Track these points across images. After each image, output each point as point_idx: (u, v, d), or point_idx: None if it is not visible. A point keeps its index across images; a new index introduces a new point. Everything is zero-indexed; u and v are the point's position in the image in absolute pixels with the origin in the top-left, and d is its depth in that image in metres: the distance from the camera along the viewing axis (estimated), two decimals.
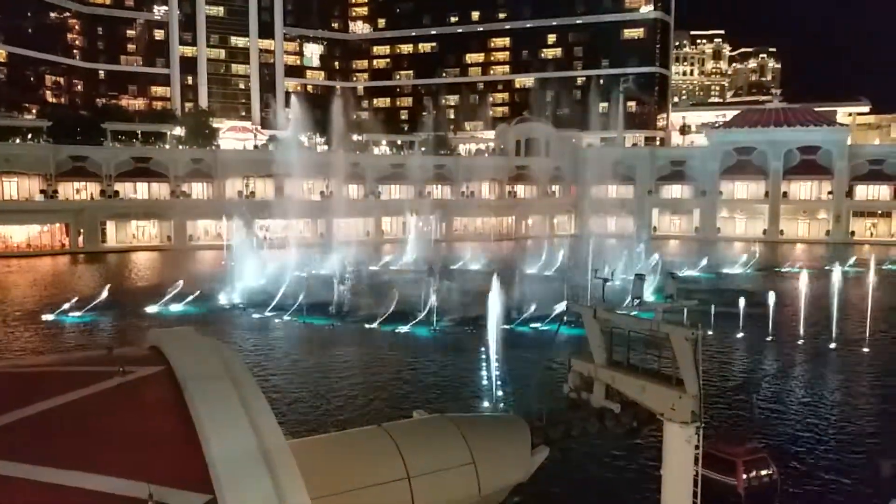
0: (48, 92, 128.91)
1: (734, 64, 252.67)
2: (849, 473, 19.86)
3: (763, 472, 11.92)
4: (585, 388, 12.19)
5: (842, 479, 19.31)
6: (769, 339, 37.85)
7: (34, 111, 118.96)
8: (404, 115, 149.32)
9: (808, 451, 21.87)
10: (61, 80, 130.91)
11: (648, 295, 28.37)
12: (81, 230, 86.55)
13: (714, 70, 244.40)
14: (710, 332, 35.18)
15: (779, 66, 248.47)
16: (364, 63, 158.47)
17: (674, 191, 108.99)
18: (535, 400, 12.36)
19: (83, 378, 6.94)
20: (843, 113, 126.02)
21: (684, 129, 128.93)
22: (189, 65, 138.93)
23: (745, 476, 11.39)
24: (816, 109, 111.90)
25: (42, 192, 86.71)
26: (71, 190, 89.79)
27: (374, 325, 39.67)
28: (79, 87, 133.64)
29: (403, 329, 38.95)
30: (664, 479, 10.97)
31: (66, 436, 6.21)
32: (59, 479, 5.61)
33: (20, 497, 5.50)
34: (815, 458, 21.39)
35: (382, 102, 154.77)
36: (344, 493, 8.65)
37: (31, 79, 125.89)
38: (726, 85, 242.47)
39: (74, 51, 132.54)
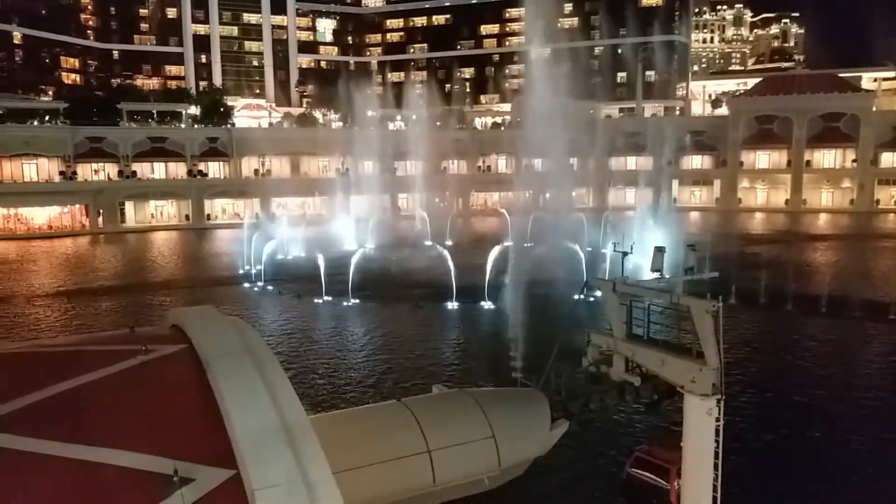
0: (63, 73, 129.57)
1: (755, 30, 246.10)
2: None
3: None
4: (605, 361, 12.16)
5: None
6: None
7: (50, 93, 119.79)
8: (419, 90, 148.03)
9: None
10: (76, 61, 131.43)
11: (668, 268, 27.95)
12: (101, 211, 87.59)
13: (735, 37, 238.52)
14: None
15: (802, 31, 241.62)
16: (377, 37, 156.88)
17: (694, 161, 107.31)
18: (555, 374, 12.32)
19: (108, 357, 7.08)
20: (868, 79, 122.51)
21: (716, 103, 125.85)
22: (202, 43, 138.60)
23: (677, 483, 11.10)
24: (840, 75, 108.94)
25: (61, 173, 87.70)
26: (89, 171, 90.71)
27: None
28: (93, 67, 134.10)
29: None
30: (685, 451, 10.97)
31: (92, 413, 6.34)
32: (86, 455, 5.74)
33: (48, 473, 5.63)
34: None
35: (396, 77, 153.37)
36: (365, 466, 8.76)
37: (47, 60, 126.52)
38: (748, 52, 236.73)
39: (88, 31, 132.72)
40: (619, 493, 12.41)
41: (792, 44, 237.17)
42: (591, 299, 27.19)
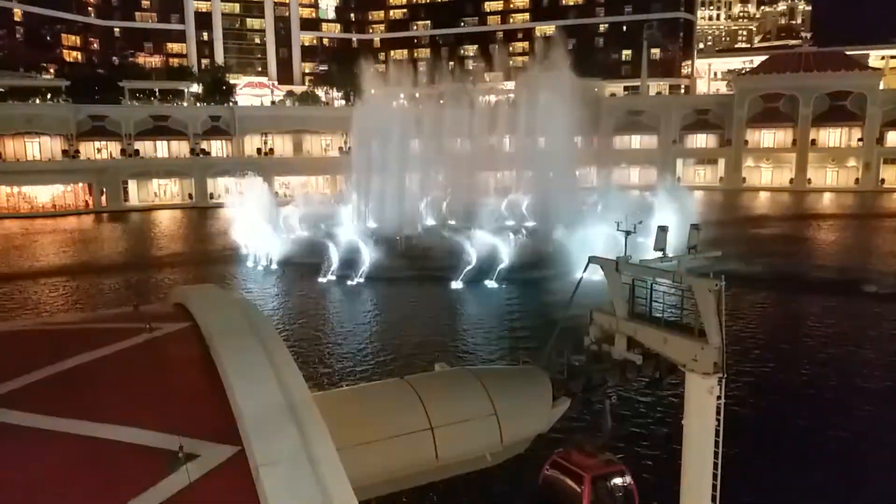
0: (65, 51, 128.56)
1: (762, 7, 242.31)
2: None
3: (616, 486, 11.20)
4: (607, 340, 12.19)
5: None
6: None
7: (52, 71, 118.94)
8: (422, 67, 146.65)
9: None
10: (77, 38, 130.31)
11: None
12: (104, 189, 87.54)
13: (741, 14, 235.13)
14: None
15: (809, 8, 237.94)
16: (380, 14, 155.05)
17: (699, 140, 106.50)
18: (556, 352, 12.37)
19: (112, 335, 7.12)
20: (875, 56, 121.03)
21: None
22: (204, 20, 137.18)
23: (591, 491, 10.97)
24: (848, 53, 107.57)
25: (64, 152, 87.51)
26: (92, 149, 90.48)
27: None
28: (95, 45, 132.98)
29: None
30: (686, 429, 11.05)
31: (97, 390, 6.39)
32: (92, 431, 5.80)
33: (54, 449, 5.69)
34: None
35: (399, 54, 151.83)
36: (368, 443, 8.84)
37: (48, 38, 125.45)
38: (754, 29, 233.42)
39: (89, 8, 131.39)
40: (536, 494, 12.20)
41: (799, 21, 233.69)
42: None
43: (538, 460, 11.87)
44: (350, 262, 42.11)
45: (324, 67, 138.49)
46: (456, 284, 39.04)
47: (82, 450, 5.71)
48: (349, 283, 40.80)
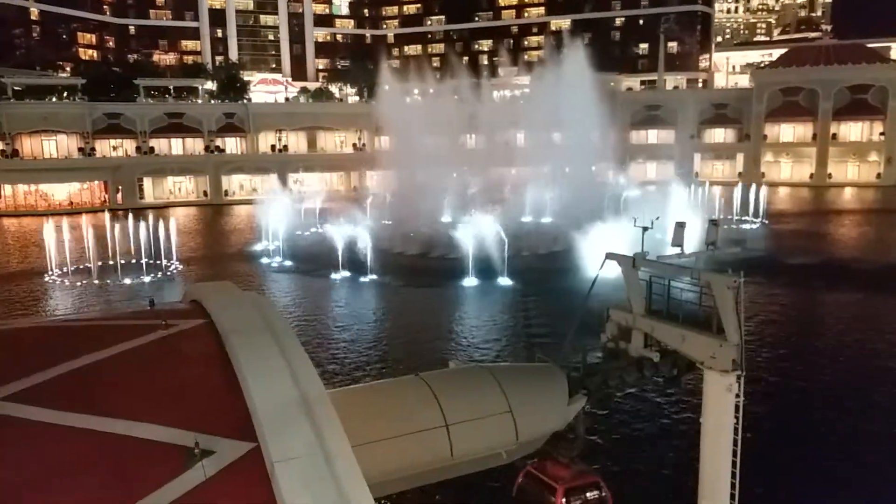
0: (80, 49, 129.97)
1: None
2: None
3: (591, 499, 10.93)
4: (623, 337, 12.07)
5: None
6: None
7: (68, 69, 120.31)
8: (436, 63, 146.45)
9: None
10: (93, 36, 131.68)
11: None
12: (119, 187, 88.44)
13: (760, 6, 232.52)
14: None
15: (829, 0, 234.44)
16: (394, 9, 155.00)
17: (717, 135, 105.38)
18: (573, 349, 12.26)
19: (128, 331, 7.17)
20: None
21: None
22: (218, 17, 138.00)
23: (564, 503, 10.75)
24: (869, 46, 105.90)
25: (80, 149, 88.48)
26: (108, 147, 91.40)
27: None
28: (110, 43, 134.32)
29: None
30: (704, 428, 10.92)
31: (114, 387, 6.42)
32: (108, 427, 5.82)
33: (71, 444, 5.72)
34: None
35: (413, 50, 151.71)
36: (383, 440, 8.82)
37: (64, 36, 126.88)
38: (773, 22, 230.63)
39: (104, 6, 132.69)
40: None
41: (819, 13, 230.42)
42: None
43: (514, 470, 11.64)
44: (368, 258, 41.81)
45: (345, 63, 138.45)
46: (469, 281, 38.91)
47: (99, 445, 5.74)
48: (363, 279, 40.77)
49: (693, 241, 12.39)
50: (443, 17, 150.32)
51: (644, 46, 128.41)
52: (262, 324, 7.08)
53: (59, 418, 5.84)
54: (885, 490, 16.99)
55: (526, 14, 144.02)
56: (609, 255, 11.96)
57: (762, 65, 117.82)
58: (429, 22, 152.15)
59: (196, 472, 5.50)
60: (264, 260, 48.26)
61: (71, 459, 5.63)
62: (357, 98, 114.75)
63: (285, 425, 5.94)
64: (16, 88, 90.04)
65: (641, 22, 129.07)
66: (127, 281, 42.44)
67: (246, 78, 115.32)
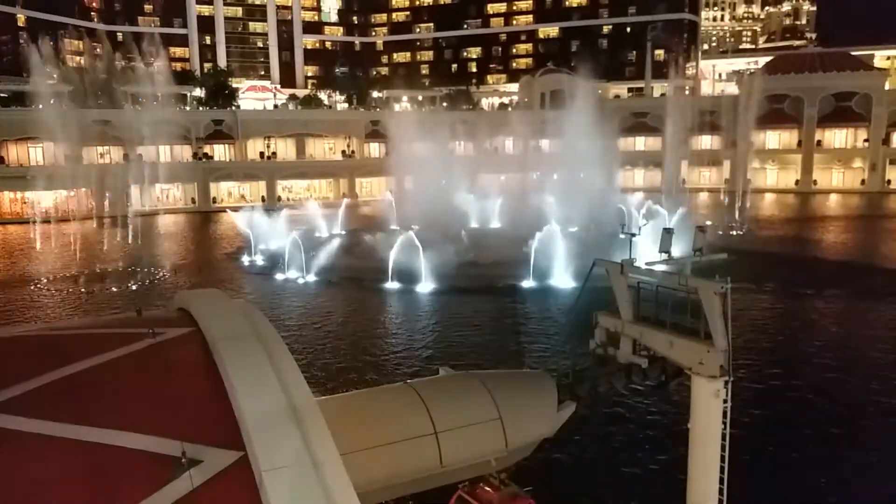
0: (68, 56, 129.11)
1: (767, 7, 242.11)
2: None
3: None
4: (612, 343, 12.11)
5: None
6: None
7: (55, 76, 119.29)
8: (425, 70, 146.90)
9: None
10: (80, 43, 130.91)
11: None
12: (107, 194, 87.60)
13: (746, 14, 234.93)
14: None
15: (814, 8, 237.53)
16: (383, 17, 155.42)
17: (703, 142, 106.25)
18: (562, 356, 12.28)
19: (115, 340, 7.08)
20: (881, 57, 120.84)
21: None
22: (206, 24, 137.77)
23: None
24: (853, 54, 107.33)
25: (67, 157, 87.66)
26: (95, 154, 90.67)
27: None
28: (98, 50, 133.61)
29: None
30: (692, 433, 10.95)
31: (100, 396, 6.35)
32: (94, 437, 5.76)
33: (56, 455, 5.66)
34: None
35: (402, 57, 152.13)
36: (372, 448, 8.78)
37: (51, 43, 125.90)
38: (759, 30, 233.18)
39: (92, 14, 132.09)
40: None
41: (804, 21, 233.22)
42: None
43: (447, 496, 11.45)
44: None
45: (344, 69, 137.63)
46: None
47: (85, 455, 5.68)
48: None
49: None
50: (431, 24, 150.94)
51: (631, 54, 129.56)
52: (250, 331, 7.04)
53: (44, 428, 5.77)
54: (874, 498, 17.13)
55: (514, 22, 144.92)
56: (597, 262, 12.02)
57: (748, 72, 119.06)
58: (418, 29, 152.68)
59: (183, 482, 5.45)
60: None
61: (56, 470, 5.56)
62: (346, 105, 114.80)
63: (273, 434, 5.90)
64: (2, 95, 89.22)
65: (628, 30, 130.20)
66: (114, 289, 42.08)
67: (234, 85, 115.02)
